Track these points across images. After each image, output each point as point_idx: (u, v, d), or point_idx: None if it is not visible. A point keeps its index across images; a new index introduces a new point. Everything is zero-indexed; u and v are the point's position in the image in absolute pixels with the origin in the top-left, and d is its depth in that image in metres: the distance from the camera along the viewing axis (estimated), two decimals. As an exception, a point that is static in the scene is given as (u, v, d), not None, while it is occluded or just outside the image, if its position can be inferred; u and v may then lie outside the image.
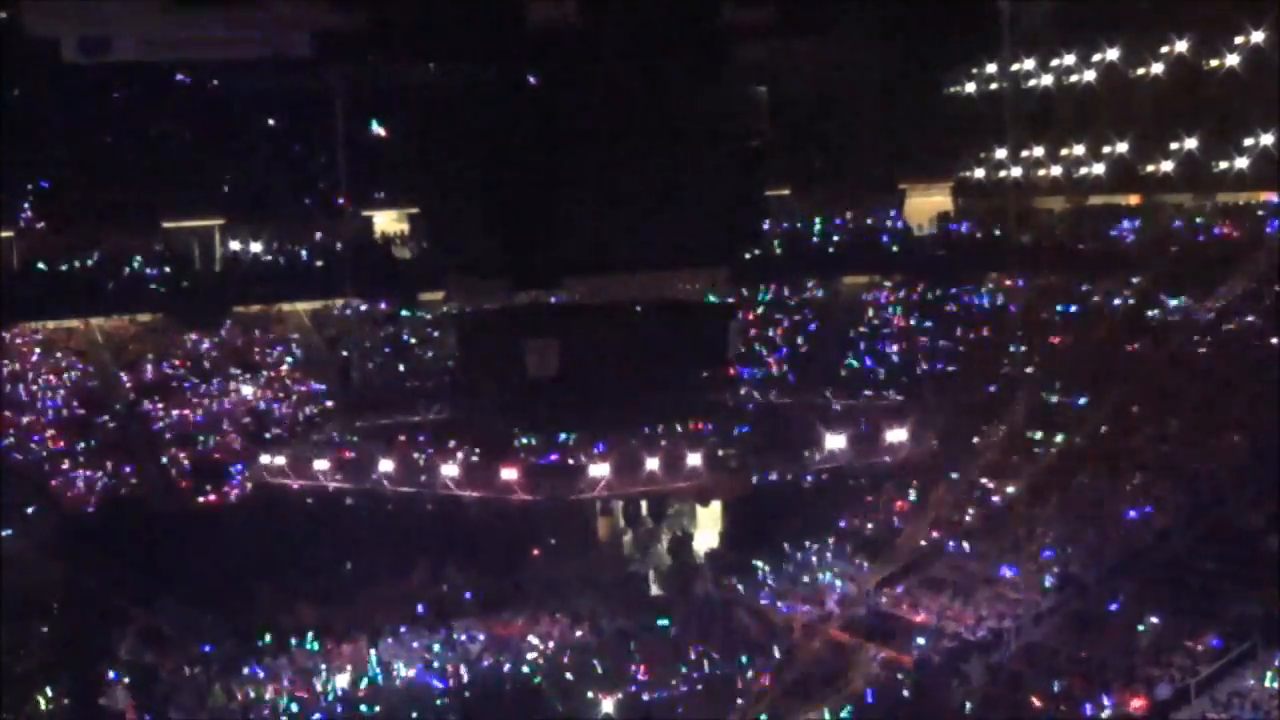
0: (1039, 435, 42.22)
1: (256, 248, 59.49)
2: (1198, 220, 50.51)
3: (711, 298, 56.41)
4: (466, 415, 49.60)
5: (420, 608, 41.70)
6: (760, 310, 56.89)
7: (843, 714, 33.61)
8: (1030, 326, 48.76)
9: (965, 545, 39.73)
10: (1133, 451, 40.28)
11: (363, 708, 36.32)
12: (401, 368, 55.26)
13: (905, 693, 34.12)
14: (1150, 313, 47.38)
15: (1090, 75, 51.64)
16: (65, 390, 51.49)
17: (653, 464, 43.17)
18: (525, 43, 56.24)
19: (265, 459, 46.40)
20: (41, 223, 57.13)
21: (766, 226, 60.11)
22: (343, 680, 37.49)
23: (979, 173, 58.69)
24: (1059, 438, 42.17)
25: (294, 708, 36.31)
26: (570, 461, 44.22)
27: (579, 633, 39.91)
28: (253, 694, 36.85)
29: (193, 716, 36.04)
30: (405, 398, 51.44)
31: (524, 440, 46.10)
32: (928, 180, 61.79)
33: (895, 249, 59.33)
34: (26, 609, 39.77)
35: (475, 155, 53.54)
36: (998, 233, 55.64)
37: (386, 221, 62.23)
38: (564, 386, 48.86)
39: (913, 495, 42.91)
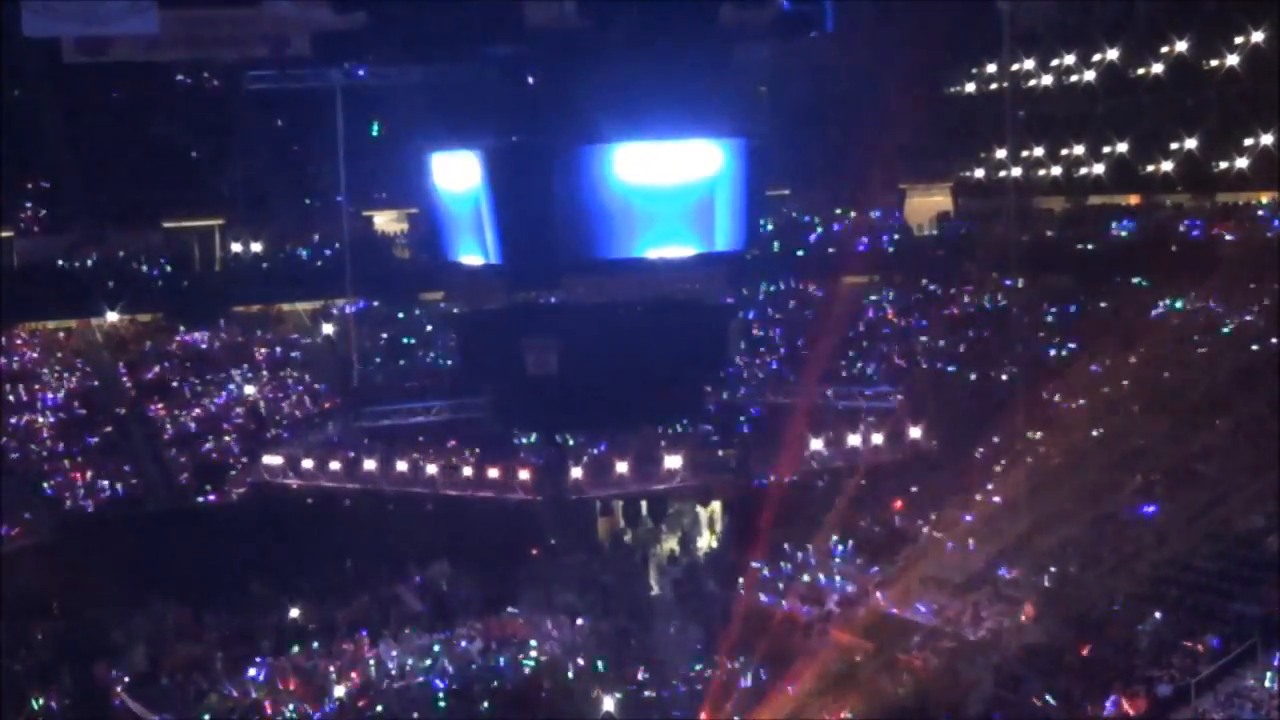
0: (1039, 435, 42.21)
1: (256, 248, 59.48)
2: (1198, 220, 50.44)
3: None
4: (466, 415, 49.58)
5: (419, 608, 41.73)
6: (759, 311, 56.79)
7: (843, 715, 33.58)
8: (1029, 326, 48.73)
9: (965, 545, 39.71)
10: (1133, 451, 40.23)
11: (363, 708, 36.31)
12: (401, 367, 55.22)
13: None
14: (1150, 312, 47.37)
15: (1090, 75, 51.65)
16: (65, 390, 51.46)
17: (652, 464, 43.14)
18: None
19: (265, 459, 46.42)
20: (41, 223, 57.11)
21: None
22: (343, 681, 37.47)
23: (979, 173, 58.69)
24: (1059, 438, 42.20)
25: (293, 708, 36.28)
26: (569, 462, 44.21)
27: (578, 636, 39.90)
28: (253, 695, 36.82)
29: (192, 717, 36.05)
30: (405, 397, 51.42)
31: (524, 440, 46.07)
32: (928, 180, 61.75)
33: (895, 249, 59.25)
34: (26, 609, 39.78)
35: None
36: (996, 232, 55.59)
37: (386, 221, 62.21)
38: (563, 386, 48.82)
39: (913, 495, 42.88)
